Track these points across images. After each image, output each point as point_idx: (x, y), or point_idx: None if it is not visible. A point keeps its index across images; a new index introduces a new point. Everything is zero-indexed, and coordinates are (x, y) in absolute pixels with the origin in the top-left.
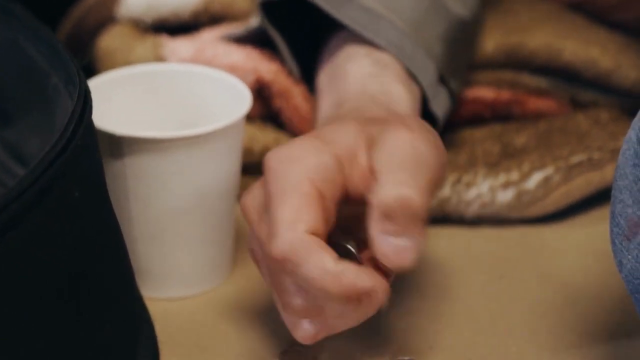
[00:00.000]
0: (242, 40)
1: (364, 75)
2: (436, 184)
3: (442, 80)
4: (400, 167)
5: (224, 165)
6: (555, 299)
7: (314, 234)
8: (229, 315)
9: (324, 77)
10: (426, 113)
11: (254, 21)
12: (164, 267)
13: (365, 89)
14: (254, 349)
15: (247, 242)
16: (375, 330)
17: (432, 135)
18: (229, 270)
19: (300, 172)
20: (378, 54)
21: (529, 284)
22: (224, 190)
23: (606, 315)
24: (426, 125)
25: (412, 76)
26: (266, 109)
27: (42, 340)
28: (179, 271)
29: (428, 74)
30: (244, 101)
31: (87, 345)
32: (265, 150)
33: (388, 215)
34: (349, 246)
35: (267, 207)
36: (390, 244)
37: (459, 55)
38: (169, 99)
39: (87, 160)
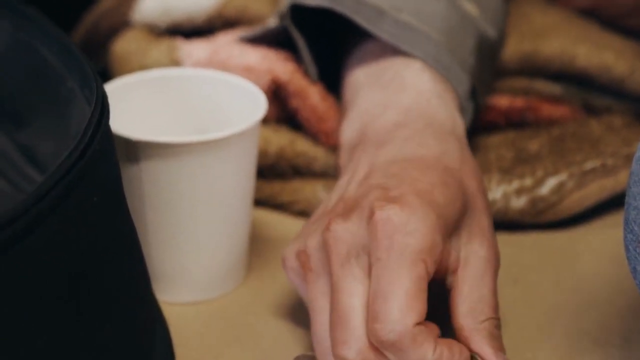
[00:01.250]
0: (258, 41)
1: (426, 91)
2: None
3: (474, 93)
4: (481, 301)
5: (240, 170)
6: (569, 304)
7: (422, 320)
8: (244, 320)
9: (364, 74)
10: None
11: (271, 22)
12: (179, 271)
13: (430, 107)
14: (268, 354)
15: (263, 246)
16: None
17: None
18: (243, 275)
19: (416, 251)
20: (431, 70)
21: (543, 289)
22: (239, 194)
23: (620, 320)
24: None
25: (451, 85)
26: (282, 111)
27: (55, 342)
28: (193, 276)
29: (463, 85)
30: (260, 106)
31: (102, 348)
32: (280, 153)
33: None
34: None
35: (372, 267)
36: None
37: (486, 72)
38: (183, 104)
39: (105, 165)
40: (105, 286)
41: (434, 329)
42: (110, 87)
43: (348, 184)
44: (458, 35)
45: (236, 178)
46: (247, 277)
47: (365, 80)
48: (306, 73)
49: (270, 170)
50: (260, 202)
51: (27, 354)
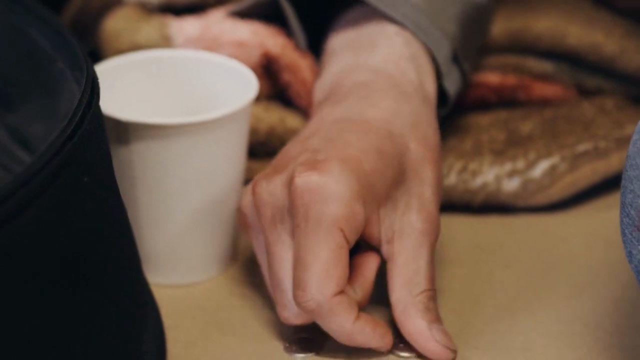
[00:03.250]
0: (248, 14)
1: (396, 53)
2: None
3: (456, 59)
4: (417, 273)
5: (230, 151)
6: (561, 287)
7: (342, 289)
8: (235, 302)
9: (341, 40)
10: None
11: None
12: (169, 253)
13: (397, 69)
14: (259, 336)
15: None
16: (380, 316)
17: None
18: (233, 257)
19: (332, 220)
20: (406, 35)
21: (535, 272)
22: (230, 176)
23: (613, 304)
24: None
25: (427, 51)
26: (273, 87)
27: (47, 324)
28: (184, 257)
29: (443, 50)
30: (251, 87)
31: (93, 330)
32: (270, 131)
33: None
34: None
35: (292, 235)
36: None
37: (473, 38)
38: (174, 85)
39: (95, 146)
40: (96, 268)
41: (356, 301)
42: (100, 68)
43: (292, 143)
44: (440, 0)
45: (227, 159)
46: (236, 259)
47: (342, 44)
48: (297, 47)
49: (262, 148)
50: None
51: (18, 335)
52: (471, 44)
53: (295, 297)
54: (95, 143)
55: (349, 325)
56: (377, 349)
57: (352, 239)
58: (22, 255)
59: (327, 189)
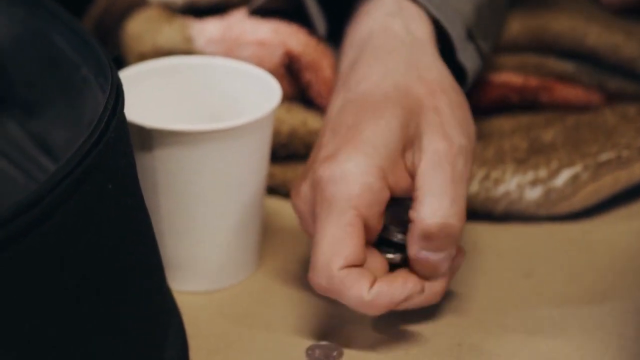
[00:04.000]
0: (270, 9)
1: (384, 14)
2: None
3: (470, 37)
4: (442, 192)
5: (253, 158)
6: (583, 296)
7: (352, 264)
8: (257, 309)
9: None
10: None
11: None
12: (192, 260)
13: (387, 26)
14: (281, 343)
15: (276, 234)
16: (402, 326)
17: (464, 113)
18: (256, 264)
19: (343, 199)
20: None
21: (556, 281)
22: (252, 183)
23: (635, 313)
24: (458, 96)
25: (440, 28)
26: (295, 87)
27: (70, 331)
28: (206, 264)
29: (456, 26)
30: (274, 94)
31: (116, 337)
32: (292, 132)
33: (428, 237)
34: (398, 240)
35: (314, 221)
36: (428, 259)
37: (488, 20)
38: (197, 92)
39: (120, 153)
40: (119, 275)
41: (369, 270)
42: (123, 75)
43: (314, 147)
44: None
45: (249, 167)
46: (260, 266)
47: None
48: (318, 45)
49: (283, 150)
50: (273, 189)
51: (41, 343)
52: (487, 26)
53: (309, 279)
54: (120, 150)
55: (364, 293)
56: (407, 299)
57: (374, 212)
58: (47, 262)
59: (337, 173)
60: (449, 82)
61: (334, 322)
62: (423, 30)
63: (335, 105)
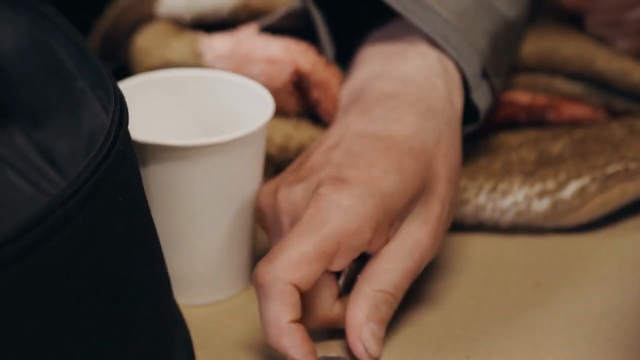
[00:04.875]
0: (279, 28)
1: (426, 66)
2: None
3: (485, 74)
4: (387, 273)
5: (245, 172)
6: (590, 308)
7: (299, 287)
8: (250, 324)
9: (372, 50)
10: (466, 105)
11: (294, 5)
12: (188, 273)
13: (425, 83)
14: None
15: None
16: (409, 339)
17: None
18: (249, 278)
19: (336, 228)
20: (436, 50)
21: (564, 293)
22: (246, 195)
23: None
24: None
25: (457, 66)
26: (303, 104)
27: (78, 344)
28: (202, 278)
29: (472, 65)
30: (267, 108)
31: (124, 349)
32: (300, 149)
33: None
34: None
35: (290, 224)
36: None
37: (503, 54)
38: (194, 104)
39: (128, 165)
40: (128, 287)
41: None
42: (120, 87)
43: (316, 149)
44: (471, 15)
45: (241, 180)
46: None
47: (373, 54)
48: (327, 64)
49: None
50: None
51: (52, 354)
52: (501, 60)
53: (258, 265)
54: (128, 162)
55: (284, 320)
56: None
57: (347, 255)
58: (57, 275)
59: (343, 204)
60: (459, 167)
61: (337, 335)
62: (459, 102)
63: (357, 126)
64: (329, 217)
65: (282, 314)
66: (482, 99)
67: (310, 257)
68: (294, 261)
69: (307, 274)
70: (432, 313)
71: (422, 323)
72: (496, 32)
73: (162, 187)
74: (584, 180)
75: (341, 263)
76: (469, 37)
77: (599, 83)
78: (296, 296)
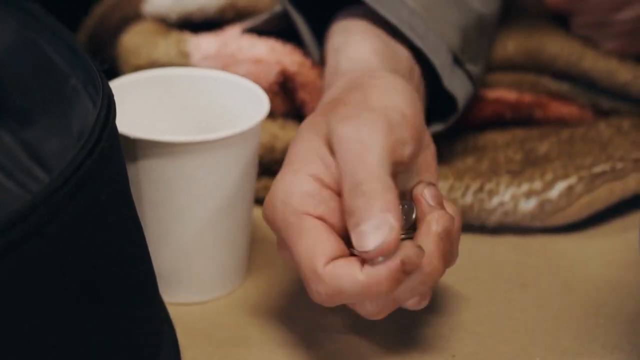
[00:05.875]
0: (263, 29)
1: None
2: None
3: (457, 61)
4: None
5: (239, 170)
6: (577, 308)
7: (334, 257)
8: (250, 319)
9: (332, 42)
10: (443, 98)
11: (277, 8)
12: (178, 271)
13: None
14: (275, 353)
15: (264, 245)
16: (396, 338)
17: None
18: (244, 275)
19: (293, 212)
20: (388, 39)
21: (551, 292)
22: (239, 194)
23: (629, 325)
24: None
25: (424, 56)
26: (289, 104)
27: (63, 342)
28: (192, 276)
29: (440, 53)
30: (262, 106)
31: (109, 348)
32: (286, 148)
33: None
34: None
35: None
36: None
37: (476, 44)
38: (188, 103)
39: (113, 163)
40: (113, 285)
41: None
42: (113, 85)
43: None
44: (438, 7)
45: (236, 178)
46: (249, 277)
47: (331, 52)
48: (313, 66)
49: (278, 166)
50: (261, 200)
51: (35, 353)
52: (477, 48)
53: (310, 295)
54: (113, 160)
55: (357, 275)
56: (406, 264)
57: (327, 210)
58: (41, 273)
59: (281, 196)
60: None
61: (325, 334)
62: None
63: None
64: (284, 212)
65: (354, 273)
66: (458, 87)
67: (312, 242)
68: (310, 256)
69: (327, 247)
70: (419, 313)
71: (409, 323)
72: (467, 24)
73: (152, 184)
74: (571, 180)
75: (334, 220)
76: (436, 27)
77: (585, 82)
78: (342, 259)
